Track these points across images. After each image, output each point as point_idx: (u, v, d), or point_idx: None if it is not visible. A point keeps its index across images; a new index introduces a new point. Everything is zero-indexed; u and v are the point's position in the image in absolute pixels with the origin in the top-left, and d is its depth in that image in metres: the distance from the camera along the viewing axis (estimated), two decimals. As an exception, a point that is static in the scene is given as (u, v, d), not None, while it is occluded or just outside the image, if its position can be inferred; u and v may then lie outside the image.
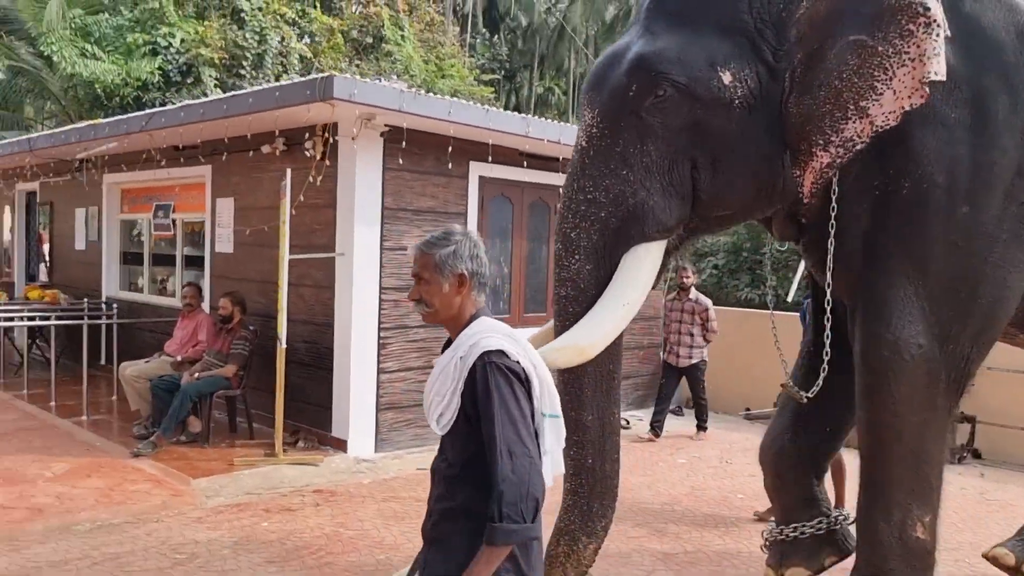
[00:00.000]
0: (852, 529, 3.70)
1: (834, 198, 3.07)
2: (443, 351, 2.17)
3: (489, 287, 2.25)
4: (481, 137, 6.52)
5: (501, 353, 2.00)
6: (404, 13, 17.99)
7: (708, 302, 7.42)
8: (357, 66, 16.72)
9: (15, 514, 4.72)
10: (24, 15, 17.04)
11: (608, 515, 3.18)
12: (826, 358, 3.25)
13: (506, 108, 19.05)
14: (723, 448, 7.23)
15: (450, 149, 6.52)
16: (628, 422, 7.81)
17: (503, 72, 26.78)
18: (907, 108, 2.79)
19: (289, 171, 6.05)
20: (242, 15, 15.39)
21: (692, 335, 7.34)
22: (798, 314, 5.77)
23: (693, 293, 7.38)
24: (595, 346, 2.95)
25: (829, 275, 3.16)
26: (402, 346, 6.61)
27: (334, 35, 16.57)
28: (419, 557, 2.19)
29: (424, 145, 6.53)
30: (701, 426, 7.57)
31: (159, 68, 14.52)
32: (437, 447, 2.20)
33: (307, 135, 6.40)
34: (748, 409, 8.50)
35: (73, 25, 15.89)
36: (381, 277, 6.39)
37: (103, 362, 8.54)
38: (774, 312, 3.98)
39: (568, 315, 3.04)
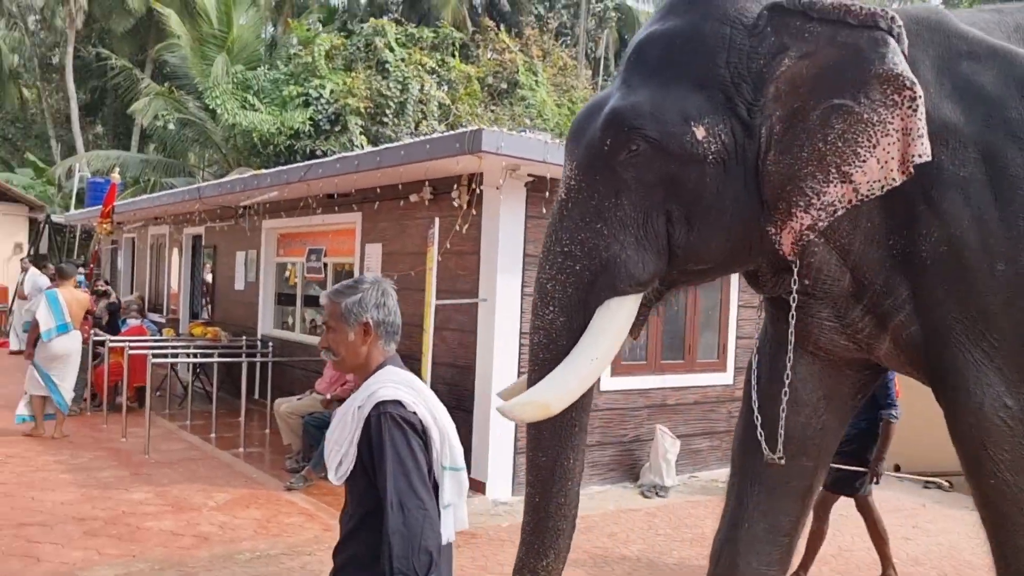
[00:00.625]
0: None
1: (795, 279, 3.04)
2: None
3: (399, 336, 2.25)
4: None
5: (397, 403, 1.99)
6: (538, 58, 18.40)
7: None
8: (492, 111, 17.19)
9: (184, 541, 5.08)
10: (193, 71, 18.59)
11: (550, 555, 3.12)
12: (780, 438, 3.18)
13: (638, 150, 18.99)
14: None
15: (591, 197, 6.59)
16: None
17: (635, 113, 26.80)
18: (892, 182, 2.75)
19: (437, 219, 6.30)
20: (386, 66, 16.18)
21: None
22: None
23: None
24: (560, 401, 2.94)
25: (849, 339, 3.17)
26: (541, 391, 6.68)
27: (471, 82, 17.13)
28: None
29: (565, 193, 6.64)
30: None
31: (310, 118, 15.43)
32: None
33: (454, 185, 6.66)
34: (898, 467, 8.06)
35: (235, 79, 17.17)
36: (522, 322, 6.52)
37: (257, 396, 9.06)
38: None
39: (538, 361, 3.07)
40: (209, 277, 12.25)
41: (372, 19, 18.74)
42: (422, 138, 7.20)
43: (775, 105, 2.86)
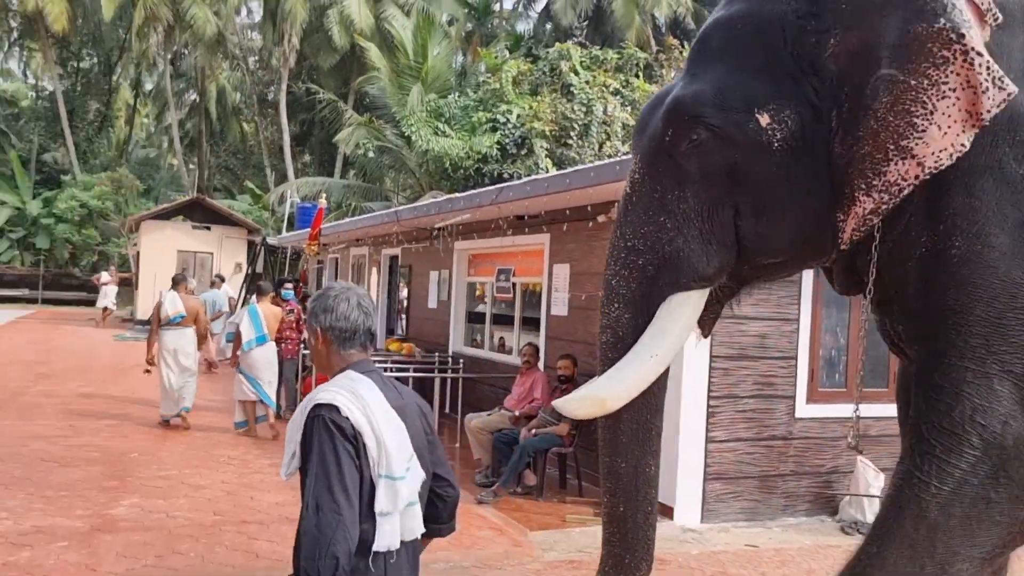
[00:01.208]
0: None
1: (874, 253, 2.74)
2: None
3: (360, 340, 2.19)
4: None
5: (331, 407, 1.97)
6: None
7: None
8: (677, 130, 16.96)
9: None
10: (391, 101, 19.75)
11: (642, 568, 2.99)
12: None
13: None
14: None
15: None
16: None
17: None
18: (962, 148, 2.46)
19: (625, 240, 6.29)
20: (571, 89, 16.43)
21: None
22: None
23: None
24: (617, 399, 2.84)
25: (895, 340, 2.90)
26: (731, 416, 6.50)
27: (655, 101, 17.01)
28: None
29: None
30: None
31: (497, 142, 15.92)
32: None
33: (642, 205, 6.63)
34: None
35: (428, 108, 18.05)
36: (712, 345, 6.36)
37: (447, 411, 9.41)
38: None
39: (606, 361, 2.95)
40: (404, 295, 12.92)
41: (557, 44, 19.14)
42: (611, 160, 7.27)
43: (841, 85, 2.68)
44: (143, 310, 20.06)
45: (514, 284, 9.29)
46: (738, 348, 6.49)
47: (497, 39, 29.31)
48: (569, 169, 7.32)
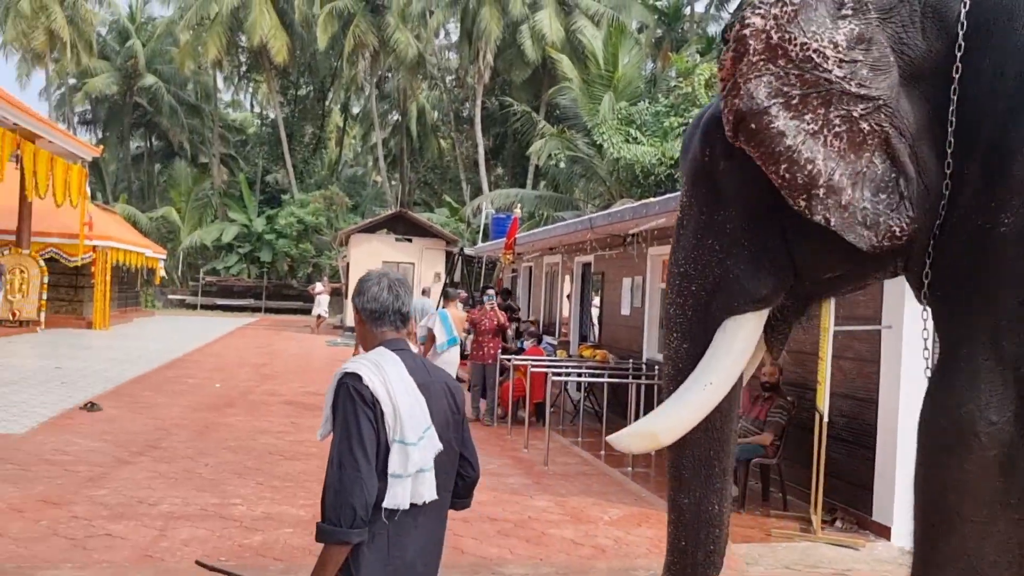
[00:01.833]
0: None
1: (932, 243, 2.57)
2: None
3: (392, 319, 2.34)
4: None
5: (355, 376, 2.17)
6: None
7: None
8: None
9: (583, 550, 5.36)
10: (582, 111, 19.93)
11: None
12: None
13: None
14: None
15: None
16: None
17: None
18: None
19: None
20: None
21: None
22: None
23: None
24: (670, 432, 2.82)
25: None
26: (958, 431, 5.93)
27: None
28: None
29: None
30: None
31: (691, 146, 15.58)
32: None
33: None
34: None
35: (619, 116, 18.02)
36: (935, 352, 5.85)
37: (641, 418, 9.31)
38: None
39: (667, 394, 2.93)
40: (597, 302, 12.95)
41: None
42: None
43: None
44: (351, 317, 21.45)
45: (711, 290, 9.02)
46: (965, 357, 5.94)
47: (688, 43, 28.80)
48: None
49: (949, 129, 2.52)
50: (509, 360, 10.05)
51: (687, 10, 36.69)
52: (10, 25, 34.53)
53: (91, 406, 9.16)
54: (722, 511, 2.96)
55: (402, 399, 2.21)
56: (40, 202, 17.26)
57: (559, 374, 9.56)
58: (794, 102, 2.55)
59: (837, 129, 2.56)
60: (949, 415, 2.46)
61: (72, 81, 39.57)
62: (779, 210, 2.72)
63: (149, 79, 37.82)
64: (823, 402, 5.95)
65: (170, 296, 35.03)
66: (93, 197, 21.49)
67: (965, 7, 2.49)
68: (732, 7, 32.25)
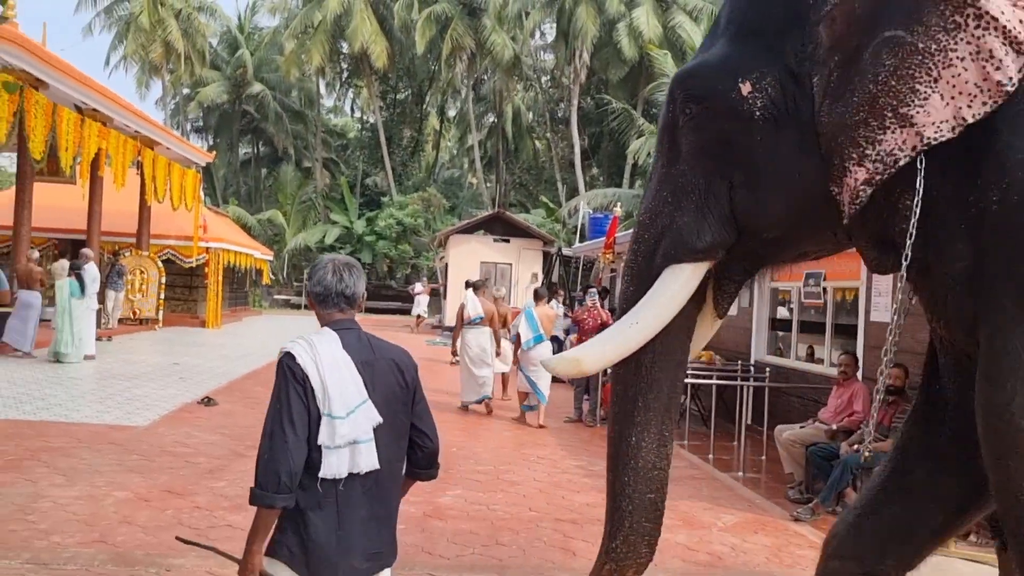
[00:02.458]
0: None
1: (913, 221, 2.48)
2: None
3: (336, 301, 2.47)
4: None
5: (288, 354, 2.34)
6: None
7: None
8: None
9: (699, 556, 5.19)
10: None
11: (618, 538, 3.06)
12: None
13: None
14: None
15: None
16: None
17: None
18: (963, 121, 2.30)
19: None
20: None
21: None
22: None
23: None
24: (592, 361, 3.07)
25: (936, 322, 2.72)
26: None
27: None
28: None
29: None
30: None
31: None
32: None
33: None
34: None
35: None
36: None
37: (749, 422, 9.01)
38: None
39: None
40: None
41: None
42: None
43: (829, 50, 2.53)
44: (450, 317, 21.68)
45: (825, 289, 8.66)
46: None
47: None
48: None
49: None
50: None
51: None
52: (131, 39, 36.47)
53: (207, 401, 9.51)
54: (640, 446, 3.01)
55: (331, 376, 2.34)
56: (157, 206, 18.11)
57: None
58: None
59: None
60: (1001, 417, 2.35)
61: (185, 91, 41.49)
62: (727, 167, 2.83)
63: (256, 87, 39.27)
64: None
65: (275, 296, 36.27)
66: (205, 201, 22.41)
67: None
68: None
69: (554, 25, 35.75)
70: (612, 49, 31.81)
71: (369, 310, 35.38)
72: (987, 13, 2.26)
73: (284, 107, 40.69)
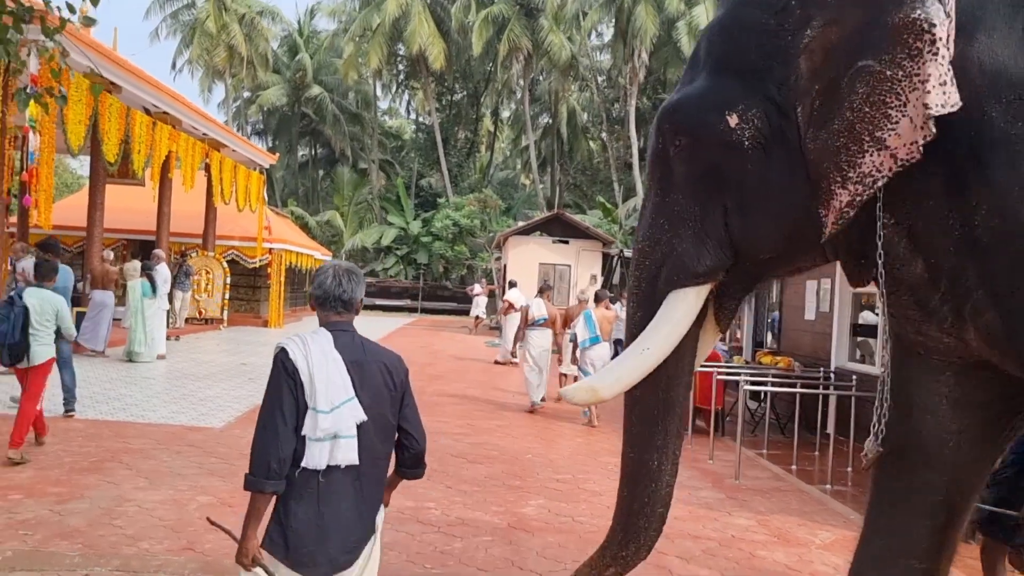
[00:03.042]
0: None
1: (879, 235, 2.69)
2: None
3: (333, 304, 2.64)
4: None
5: (283, 350, 2.50)
6: None
7: None
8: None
9: (800, 577, 4.93)
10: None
11: (630, 548, 3.21)
12: None
13: None
14: None
15: None
16: None
17: None
18: (921, 142, 2.43)
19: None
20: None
21: None
22: None
23: None
24: (608, 388, 3.14)
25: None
26: None
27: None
28: None
29: None
30: None
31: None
32: None
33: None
34: None
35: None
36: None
37: (828, 431, 8.65)
38: None
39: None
40: (774, 305, 12.26)
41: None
42: None
43: (809, 80, 2.69)
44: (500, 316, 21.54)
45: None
46: None
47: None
48: None
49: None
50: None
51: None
52: (196, 43, 37.22)
53: (278, 402, 9.50)
54: (661, 467, 3.15)
55: (319, 372, 2.49)
56: (221, 207, 18.35)
57: (758, 382, 9.01)
58: None
59: None
60: None
61: (246, 94, 42.17)
62: (720, 194, 2.96)
63: (315, 90, 39.73)
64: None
65: (333, 296, 36.53)
66: (266, 202, 22.67)
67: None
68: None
69: (611, 25, 35.41)
70: (672, 48, 31.40)
71: (425, 310, 35.54)
72: (939, 39, 2.39)
73: (341, 109, 41.10)
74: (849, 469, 7.92)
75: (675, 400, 3.16)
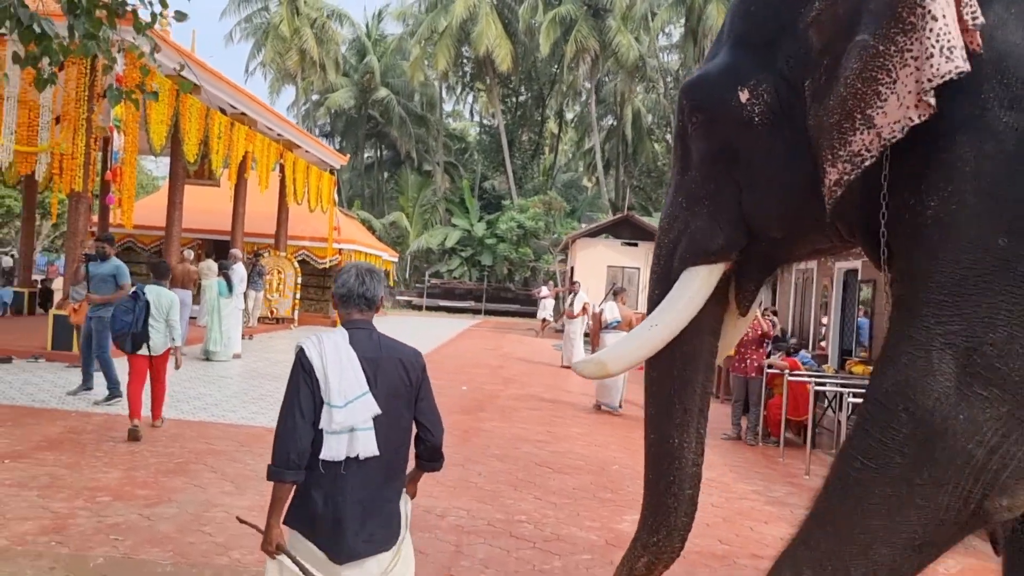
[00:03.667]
0: None
1: (883, 220, 2.53)
2: None
3: (356, 302, 2.72)
4: None
5: (301, 348, 2.63)
6: None
7: None
8: None
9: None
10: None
11: (661, 532, 3.14)
12: None
13: None
14: None
15: None
16: None
17: None
18: (913, 120, 2.32)
19: None
20: None
21: None
22: None
23: None
24: (617, 363, 3.18)
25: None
26: None
27: None
28: None
29: None
30: None
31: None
32: None
33: None
34: None
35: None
36: None
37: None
38: None
39: None
40: (863, 313, 11.70)
41: None
42: None
43: (819, 54, 2.62)
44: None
45: None
46: None
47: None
48: None
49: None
50: (782, 372, 9.16)
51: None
52: (269, 46, 37.85)
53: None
54: (683, 445, 3.13)
55: (333, 368, 2.58)
56: (291, 207, 18.46)
57: (849, 394, 8.54)
58: None
59: None
60: (883, 389, 2.44)
61: (315, 97, 42.72)
62: (733, 172, 2.92)
63: (382, 92, 40.01)
64: None
65: (397, 297, 36.76)
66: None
67: None
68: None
69: (681, 24, 34.81)
70: (744, 47, 30.64)
71: (488, 312, 35.44)
72: (928, 11, 2.27)
73: (407, 111, 41.31)
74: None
75: (692, 379, 3.15)
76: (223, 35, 50.82)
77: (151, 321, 7.08)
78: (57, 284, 24.45)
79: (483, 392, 11.70)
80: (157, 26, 4.47)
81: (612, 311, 11.11)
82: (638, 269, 23.44)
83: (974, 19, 2.29)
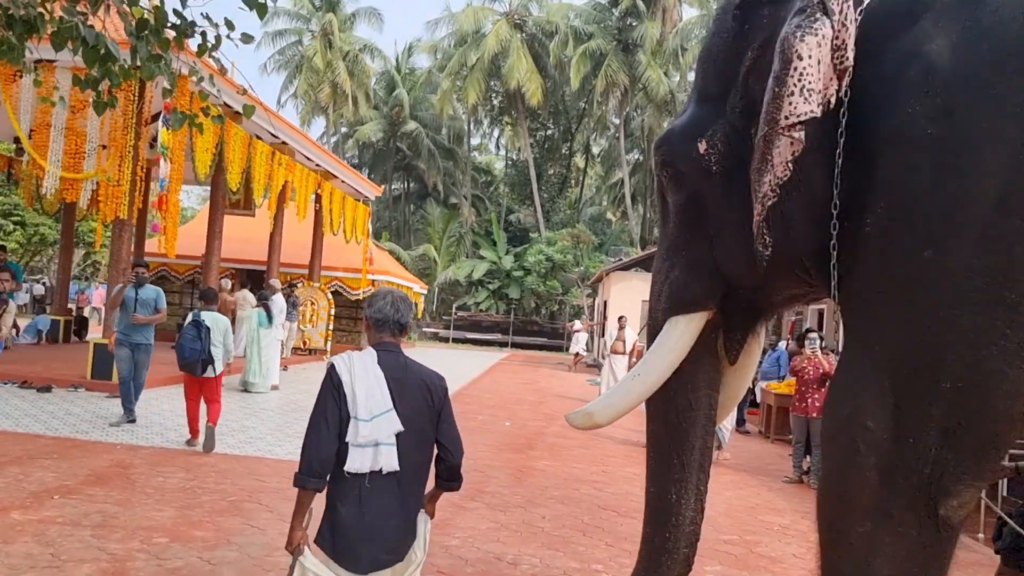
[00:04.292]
0: None
1: (833, 250, 2.56)
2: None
3: (391, 327, 2.87)
4: None
5: (332, 365, 2.76)
6: None
7: None
8: None
9: None
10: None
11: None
12: None
13: None
14: None
15: None
16: None
17: None
18: (788, 156, 2.46)
19: None
20: None
21: None
22: None
23: None
24: (604, 414, 3.17)
25: None
26: None
27: None
28: None
29: None
30: None
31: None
32: None
33: None
34: None
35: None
36: None
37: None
38: None
39: None
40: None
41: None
42: None
43: (756, 103, 2.61)
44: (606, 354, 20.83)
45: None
46: None
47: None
48: None
49: (840, 142, 2.51)
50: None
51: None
52: (302, 79, 38.20)
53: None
54: (680, 501, 3.09)
55: (360, 384, 2.69)
56: (325, 238, 18.32)
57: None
58: None
59: None
60: (834, 420, 2.48)
61: (344, 129, 42.99)
62: (703, 222, 2.96)
63: (411, 125, 40.19)
64: None
65: (424, 329, 36.56)
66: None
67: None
68: None
69: (712, 58, 34.74)
70: (776, 81, 30.46)
71: (515, 345, 35.09)
72: (796, 53, 2.37)
73: (436, 144, 41.43)
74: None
75: (690, 433, 3.11)
76: (257, 66, 51.49)
77: (211, 345, 7.56)
78: (88, 312, 24.45)
79: (528, 428, 11.37)
80: (234, 39, 4.26)
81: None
82: (672, 304, 23.08)
83: (841, 63, 2.40)
